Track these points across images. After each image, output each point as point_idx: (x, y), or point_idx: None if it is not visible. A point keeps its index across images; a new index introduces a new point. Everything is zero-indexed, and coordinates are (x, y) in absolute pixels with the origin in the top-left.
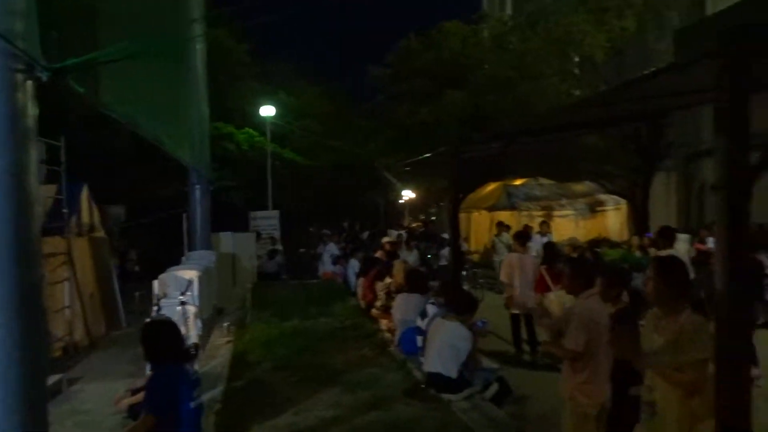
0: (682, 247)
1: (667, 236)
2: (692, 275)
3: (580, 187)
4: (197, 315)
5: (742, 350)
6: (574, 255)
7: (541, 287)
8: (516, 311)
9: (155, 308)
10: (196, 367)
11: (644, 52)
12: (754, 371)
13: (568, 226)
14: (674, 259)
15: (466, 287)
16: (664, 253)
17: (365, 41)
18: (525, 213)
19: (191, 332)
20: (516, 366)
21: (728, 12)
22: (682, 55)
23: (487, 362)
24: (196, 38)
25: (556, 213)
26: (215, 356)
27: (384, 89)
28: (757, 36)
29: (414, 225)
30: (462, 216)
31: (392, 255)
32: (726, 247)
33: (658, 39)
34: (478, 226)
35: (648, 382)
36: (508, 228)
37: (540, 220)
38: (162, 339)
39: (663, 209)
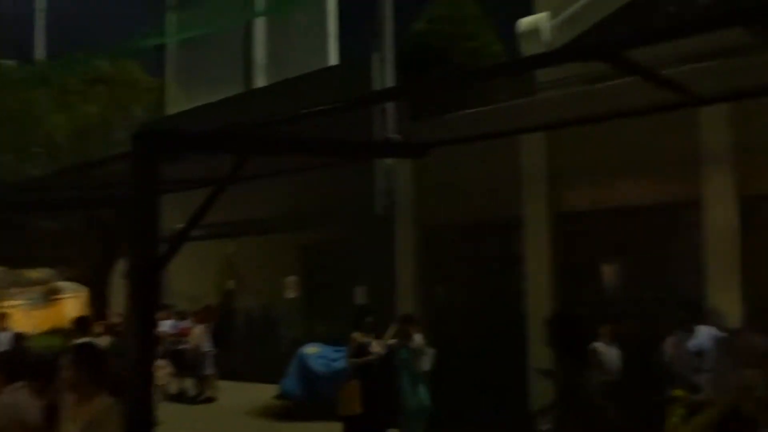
0: None
1: (81, 325)
2: None
3: (35, 273)
4: None
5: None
6: None
7: None
8: None
9: None
10: None
11: (112, 139)
12: None
13: (18, 317)
14: (89, 346)
15: None
16: (80, 341)
17: None
18: None
19: None
20: None
21: (180, 115)
22: None
23: None
24: None
25: (5, 303)
26: None
27: None
28: (168, 142)
29: None
30: None
31: None
32: (135, 327)
33: (127, 129)
34: None
35: None
36: None
37: None
38: None
39: (123, 294)
